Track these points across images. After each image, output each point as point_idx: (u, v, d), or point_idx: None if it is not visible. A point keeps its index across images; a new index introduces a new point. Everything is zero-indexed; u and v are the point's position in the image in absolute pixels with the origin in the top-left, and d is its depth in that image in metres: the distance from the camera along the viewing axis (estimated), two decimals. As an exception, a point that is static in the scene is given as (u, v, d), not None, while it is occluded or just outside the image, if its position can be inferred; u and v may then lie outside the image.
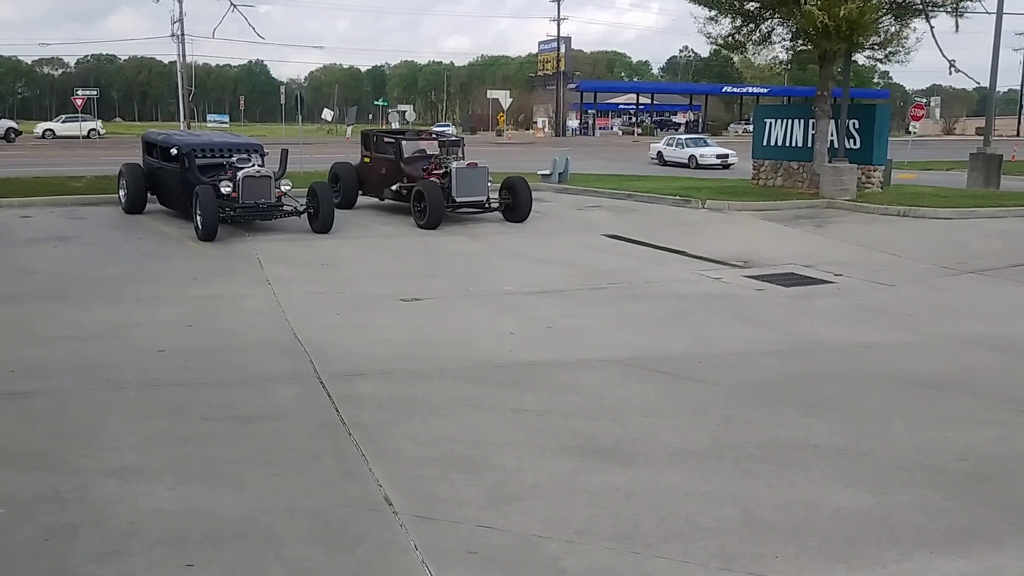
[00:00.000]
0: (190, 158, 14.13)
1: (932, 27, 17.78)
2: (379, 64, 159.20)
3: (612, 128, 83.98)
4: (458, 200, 14.97)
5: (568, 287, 10.46)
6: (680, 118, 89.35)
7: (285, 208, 13.98)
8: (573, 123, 78.42)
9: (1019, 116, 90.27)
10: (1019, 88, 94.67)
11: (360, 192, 16.73)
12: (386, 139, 16.63)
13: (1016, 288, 10.88)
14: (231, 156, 14.26)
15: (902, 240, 14.02)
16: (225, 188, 13.35)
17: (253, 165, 13.89)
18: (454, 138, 16.60)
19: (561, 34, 77.56)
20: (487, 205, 15.42)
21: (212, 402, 5.99)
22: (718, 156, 35.62)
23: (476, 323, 8.61)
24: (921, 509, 4.52)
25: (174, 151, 14.31)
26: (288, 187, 14.12)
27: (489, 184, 15.52)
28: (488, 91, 70.91)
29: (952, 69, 18.71)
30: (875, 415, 6.05)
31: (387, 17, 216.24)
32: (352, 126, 28.89)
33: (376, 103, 73.94)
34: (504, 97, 61.72)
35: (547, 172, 23.36)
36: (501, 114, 64.51)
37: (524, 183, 15.66)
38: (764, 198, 18.30)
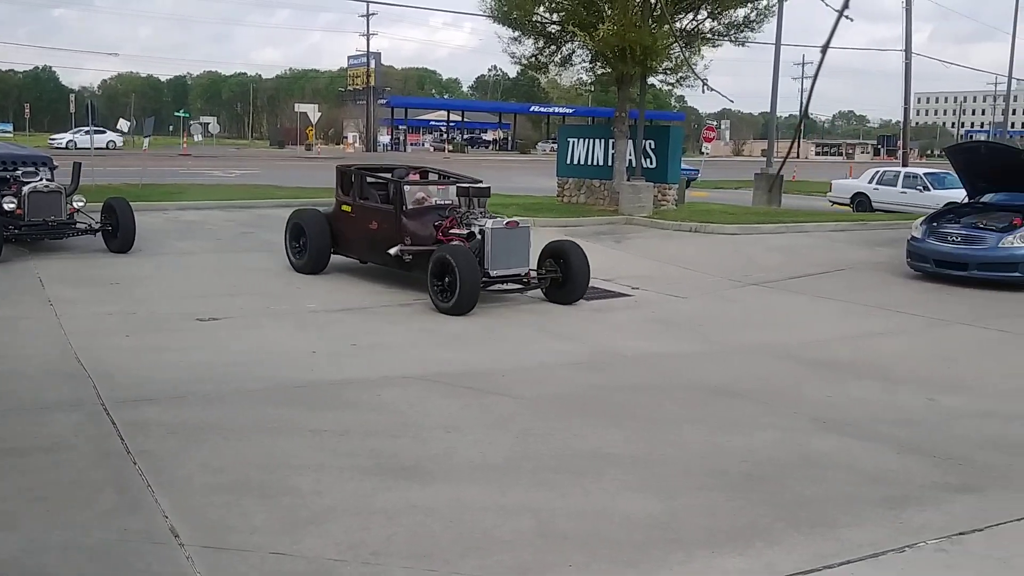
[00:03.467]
0: None
1: (690, 61, 18.94)
2: (181, 74, 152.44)
3: (423, 144, 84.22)
4: (493, 274, 10.40)
5: (373, 304, 10.36)
6: (490, 136, 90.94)
7: (78, 226, 12.84)
8: (384, 138, 78.05)
9: (798, 140, 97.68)
10: (799, 113, 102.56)
11: (333, 251, 11.97)
12: (375, 180, 12.04)
13: (793, 298, 11.71)
14: (15, 169, 12.89)
15: (694, 254, 14.80)
16: (8, 204, 12.17)
17: (41, 179, 12.60)
18: (480, 185, 11.27)
19: (372, 49, 77.15)
20: (527, 280, 10.82)
21: (-22, 435, 5.49)
22: None
23: (277, 343, 8.36)
24: (705, 511, 4.75)
25: None
26: (82, 203, 12.99)
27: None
28: (296, 104, 69.45)
29: (704, 88, 20.06)
30: (668, 423, 6.32)
31: (194, 27, 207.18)
32: (149, 138, 27.42)
33: (177, 114, 70.70)
34: (312, 111, 60.61)
35: (356, 188, 23.11)
36: (310, 128, 63.36)
37: (579, 250, 10.93)
38: (568, 215, 18.84)
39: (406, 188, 11.23)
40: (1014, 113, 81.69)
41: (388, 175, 12.06)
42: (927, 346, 9.24)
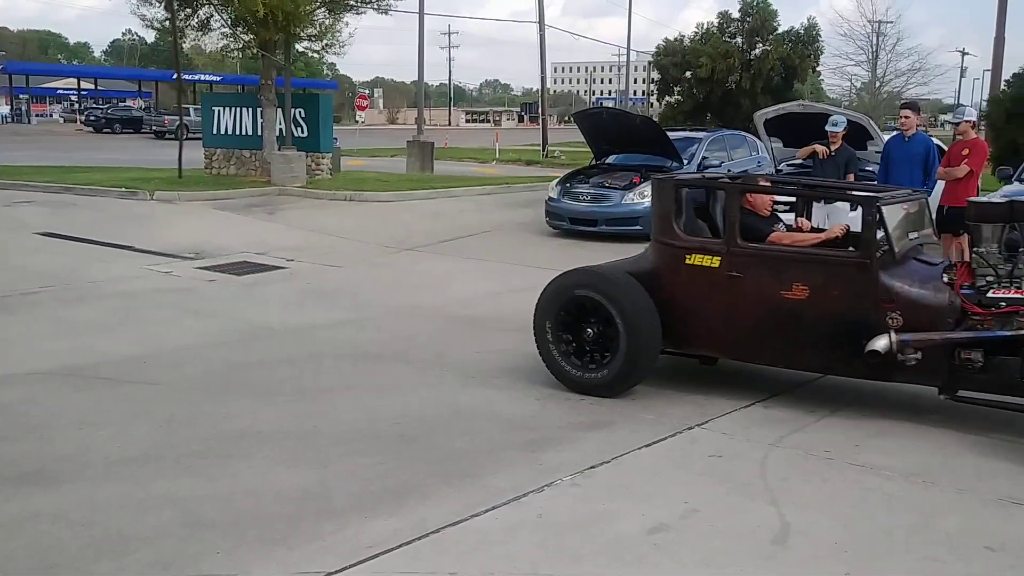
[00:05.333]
0: None
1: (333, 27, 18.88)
2: None
3: (52, 115, 76.39)
4: None
5: (-7, 294, 9.26)
6: (131, 105, 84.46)
7: None
8: (3, 109, 69.74)
9: (450, 108, 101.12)
10: (448, 82, 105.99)
11: (665, 347, 6.42)
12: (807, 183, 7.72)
13: (443, 260, 12.12)
14: None
15: (349, 223, 14.80)
16: None
17: None
18: None
19: (-22, 8, 68.27)
20: None
21: None
22: None
23: None
24: (358, 477, 4.78)
25: None
26: None
27: None
28: None
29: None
30: (320, 393, 6.27)
31: None
32: None
33: None
34: (-93, 78, 52.44)
35: (-35, 165, 20.45)
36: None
37: None
38: (217, 187, 18.02)
39: (886, 210, 5.70)
40: (635, 82, 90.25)
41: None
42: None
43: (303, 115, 19.76)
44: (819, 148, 10.77)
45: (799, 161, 12.38)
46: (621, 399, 6.15)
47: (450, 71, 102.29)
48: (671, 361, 7.17)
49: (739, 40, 27.73)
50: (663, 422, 5.71)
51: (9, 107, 70.58)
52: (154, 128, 49.64)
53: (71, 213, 14.89)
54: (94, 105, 71.26)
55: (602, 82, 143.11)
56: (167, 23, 19.42)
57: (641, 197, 13.45)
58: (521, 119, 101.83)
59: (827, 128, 10.68)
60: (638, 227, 13.36)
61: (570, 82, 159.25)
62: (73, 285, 9.88)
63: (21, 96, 72.36)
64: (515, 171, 27.14)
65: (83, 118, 62.77)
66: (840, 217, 10.65)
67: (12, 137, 39.81)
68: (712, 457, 5.17)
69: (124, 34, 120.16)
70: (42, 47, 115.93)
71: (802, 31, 27.61)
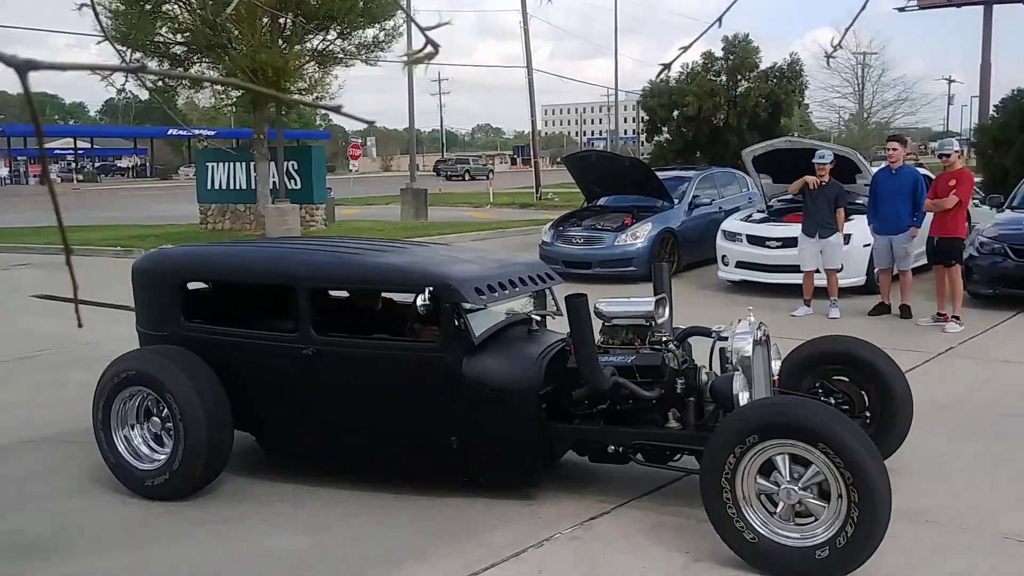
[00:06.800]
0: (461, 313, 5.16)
1: (323, 80, 19.04)
2: None
3: (50, 175, 77.00)
4: None
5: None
6: (126, 162, 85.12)
7: None
8: (2, 171, 70.28)
9: (443, 154, 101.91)
10: (440, 127, 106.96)
11: None
12: None
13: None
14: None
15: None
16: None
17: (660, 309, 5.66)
18: None
19: (-27, 72, 68.98)
20: None
21: None
22: None
23: None
24: (355, 539, 4.75)
25: (424, 298, 5.00)
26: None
27: None
28: None
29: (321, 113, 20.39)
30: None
31: None
32: None
33: None
34: (-95, 144, 52.90)
35: (-38, 230, 20.58)
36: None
37: None
38: (214, 242, 18.10)
39: None
40: (625, 121, 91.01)
41: None
42: (561, 343, 9.94)
43: (296, 167, 19.94)
44: (809, 179, 10.68)
45: (790, 196, 12.46)
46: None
47: (441, 118, 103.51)
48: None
49: (723, 78, 28.01)
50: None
51: (8, 169, 71.11)
52: (449, 175, 64.01)
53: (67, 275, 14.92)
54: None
55: (592, 122, 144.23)
56: (161, 82, 19.67)
57: (633, 238, 13.51)
58: (514, 162, 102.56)
59: (814, 161, 10.72)
60: (632, 268, 13.40)
61: (561, 123, 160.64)
62: (71, 347, 9.84)
63: (19, 158, 72.95)
64: (509, 215, 27.28)
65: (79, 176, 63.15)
66: (834, 252, 10.71)
67: (10, 199, 40.06)
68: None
69: (119, 92, 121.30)
70: (39, 109, 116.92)
71: (785, 66, 27.88)
